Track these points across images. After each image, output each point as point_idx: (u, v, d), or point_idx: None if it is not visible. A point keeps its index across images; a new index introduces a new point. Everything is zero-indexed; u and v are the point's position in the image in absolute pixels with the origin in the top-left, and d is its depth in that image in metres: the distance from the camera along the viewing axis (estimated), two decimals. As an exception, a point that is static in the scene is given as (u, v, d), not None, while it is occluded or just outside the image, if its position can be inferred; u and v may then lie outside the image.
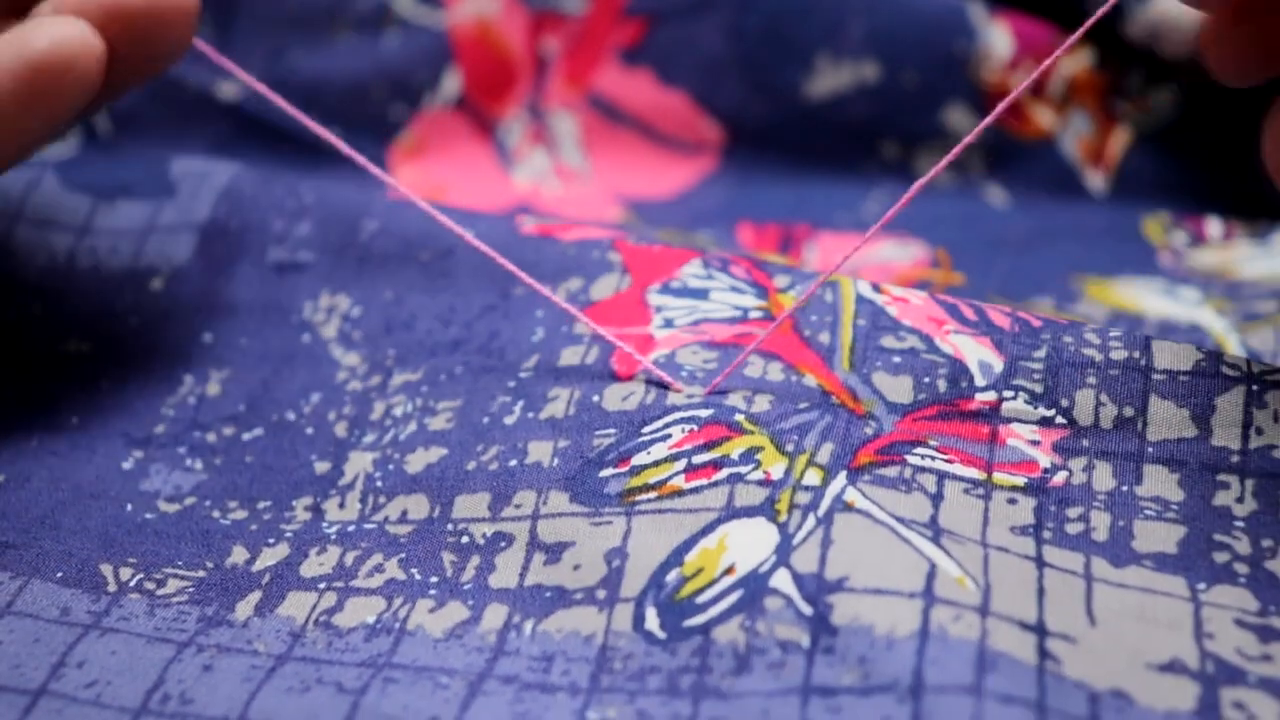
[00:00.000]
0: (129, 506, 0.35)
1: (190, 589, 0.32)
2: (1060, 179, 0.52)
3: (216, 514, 0.35)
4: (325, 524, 0.34)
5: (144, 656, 0.30)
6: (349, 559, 0.32)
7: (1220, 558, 0.30)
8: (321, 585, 0.32)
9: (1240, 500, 0.31)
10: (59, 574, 0.32)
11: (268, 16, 0.54)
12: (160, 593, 0.32)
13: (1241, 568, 0.29)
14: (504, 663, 0.29)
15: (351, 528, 0.33)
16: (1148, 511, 0.31)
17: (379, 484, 0.35)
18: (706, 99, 0.54)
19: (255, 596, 0.32)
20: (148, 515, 0.35)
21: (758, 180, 0.54)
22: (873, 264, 0.49)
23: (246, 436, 0.37)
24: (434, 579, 0.31)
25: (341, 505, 0.34)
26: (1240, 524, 0.30)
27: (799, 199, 0.53)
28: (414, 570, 0.32)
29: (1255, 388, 0.32)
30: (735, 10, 0.53)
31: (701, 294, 0.37)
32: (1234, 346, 0.41)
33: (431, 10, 0.54)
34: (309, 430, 0.37)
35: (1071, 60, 0.53)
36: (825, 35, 0.53)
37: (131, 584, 0.32)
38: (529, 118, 0.55)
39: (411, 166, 0.53)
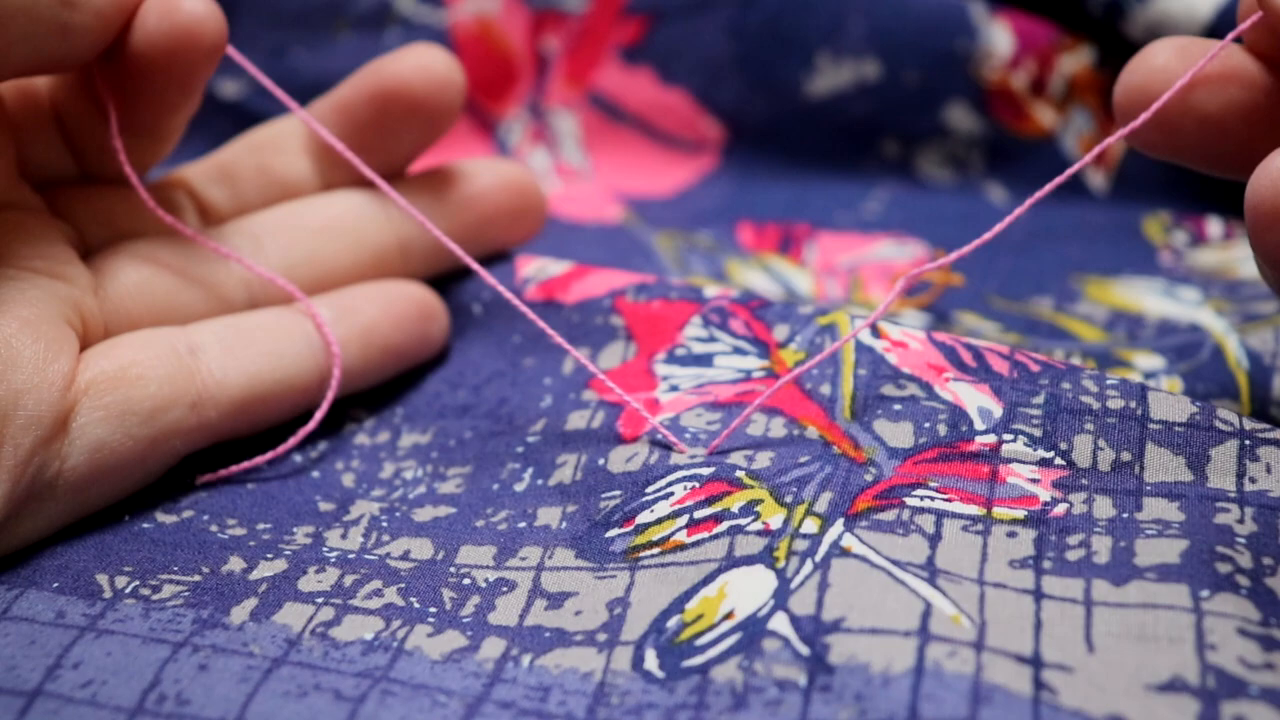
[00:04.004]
0: (125, 515, 0.35)
1: (186, 593, 0.32)
2: (1060, 178, 0.52)
3: (214, 528, 0.35)
4: (325, 549, 0.34)
5: (139, 657, 0.30)
6: (348, 581, 0.32)
7: (1223, 568, 0.30)
8: (319, 600, 0.32)
9: (1241, 522, 0.31)
10: (55, 584, 0.32)
11: (269, 16, 0.54)
12: (156, 597, 0.32)
13: (1243, 580, 0.29)
14: (501, 689, 0.29)
15: (352, 555, 0.34)
16: (1148, 531, 0.31)
17: (384, 524, 0.35)
18: (707, 97, 0.54)
19: (251, 603, 0.32)
20: (144, 525, 0.35)
21: (758, 179, 0.54)
22: (871, 262, 0.49)
23: None
24: (433, 609, 0.31)
25: (344, 536, 0.34)
26: (1242, 540, 0.30)
27: (799, 197, 0.53)
28: (413, 599, 0.32)
29: (1248, 443, 0.32)
30: (736, 9, 0.53)
31: (706, 360, 0.37)
32: (1233, 346, 0.41)
33: (433, 9, 0.54)
34: (315, 474, 0.37)
35: (1072, 59, 0.52)
36: (826, 34, 0.53)
37: (127, 590, 0.32)
38: (530, 116, 0.55)
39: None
